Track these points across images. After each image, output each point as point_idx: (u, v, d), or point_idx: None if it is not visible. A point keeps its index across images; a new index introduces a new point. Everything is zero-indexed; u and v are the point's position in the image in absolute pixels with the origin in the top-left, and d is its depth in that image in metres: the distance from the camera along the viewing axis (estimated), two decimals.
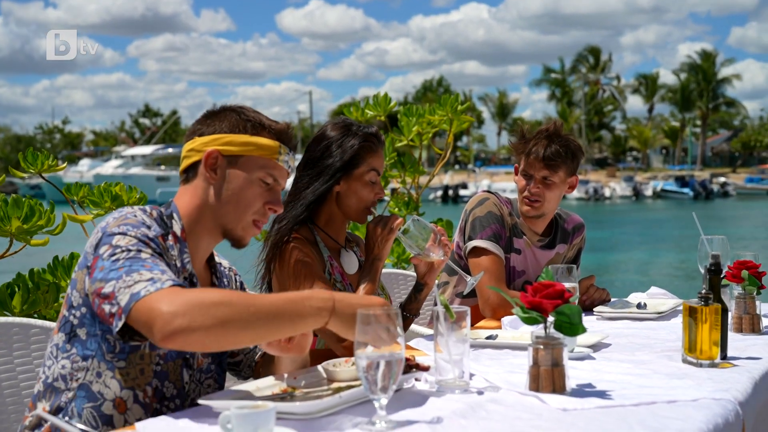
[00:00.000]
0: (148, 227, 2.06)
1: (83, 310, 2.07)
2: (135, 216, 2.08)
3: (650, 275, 20.93)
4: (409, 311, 3.07)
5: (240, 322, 1.84)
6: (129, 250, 1.96)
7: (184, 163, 2.24)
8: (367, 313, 1.80)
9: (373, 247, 2.92)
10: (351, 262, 3.06)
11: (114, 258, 1.95)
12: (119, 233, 2.00)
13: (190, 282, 2.17)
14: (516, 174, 3.68)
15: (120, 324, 1.89)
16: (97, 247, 2.01)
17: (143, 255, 1.96)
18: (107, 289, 1.92)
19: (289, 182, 2.75)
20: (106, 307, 1.92)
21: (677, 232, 31.78)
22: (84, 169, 56.05)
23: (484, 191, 3.73)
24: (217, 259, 2.40)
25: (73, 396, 2.07)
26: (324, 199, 2.99)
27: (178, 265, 2.14)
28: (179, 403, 2.18)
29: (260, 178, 2.20)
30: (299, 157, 2.83)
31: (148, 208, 2.16)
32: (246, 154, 2.19)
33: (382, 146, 3.02)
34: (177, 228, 2.17)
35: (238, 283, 2.46)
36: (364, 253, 2.98)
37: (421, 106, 5.97)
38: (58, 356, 2.11)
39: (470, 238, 3.53)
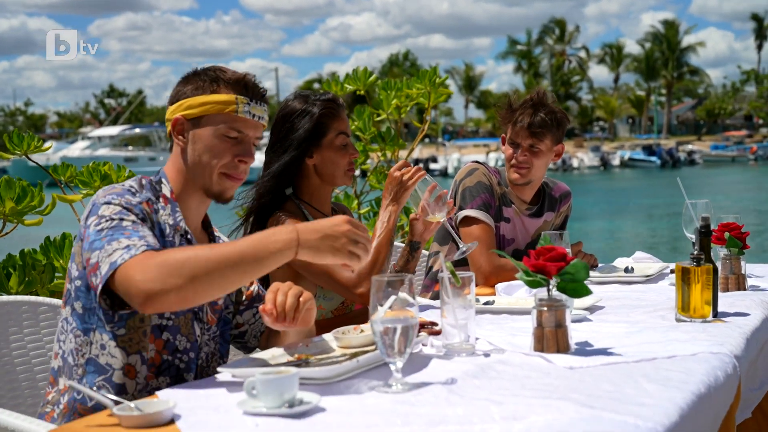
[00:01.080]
0: (133, 194, 2.14)
1: (78, 282, 2.14)
2: (123, 185, 2.17)
3: (624, 242, 21.15)
4: (406, 271, 3.13)
5: (209, 275, 1.91)
6: (112, 219, 2.05)
7: (168, 132, 2.35)
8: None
9: (391, 193, 2.96)
10: None
11: (99, 228, 2.04)
12: (104, 203, 2.09)
13: (185, 239, 2.24)
14: (503, 144, 3.75)
15: (98, 291, 1.99)
16: (87, 218, 2.10)
17: (125, 222, 2.05)
18: (93, 259, 2.01)
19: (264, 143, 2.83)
20: (93, 279, 2.01)
21: (646, 200, 32.11)
22: (50, 152, 55.35)
23: (474, 161, 3.80)
24: (216, 233, 2.46)
25: (83, 372, 2.12)
26: (304, 174, 3.03)
27: (171, 223, 2.22)
28: (193, 356, 2.23)
29: (222, 133, 2.26)
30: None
31: (138, 177, 2.27)
32: (205, 113, 2.25)
33: (343, 109, 3.06)
34: (166, 190, 2.26)
35: None
36: (382, 198, 3.01)
37: (399, 80, 6.01)
38: (66, 330, 2.17)
39: (461, 208, 3.60)
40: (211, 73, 2.29)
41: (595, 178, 54.94)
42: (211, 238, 2.40)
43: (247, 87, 2.31)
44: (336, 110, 3.02)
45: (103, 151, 54.00)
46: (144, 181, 2.24)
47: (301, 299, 2.10)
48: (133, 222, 2.06)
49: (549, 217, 3.84)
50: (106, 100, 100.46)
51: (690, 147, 71.12)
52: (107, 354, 2.12)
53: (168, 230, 2.20)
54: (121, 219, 2.05)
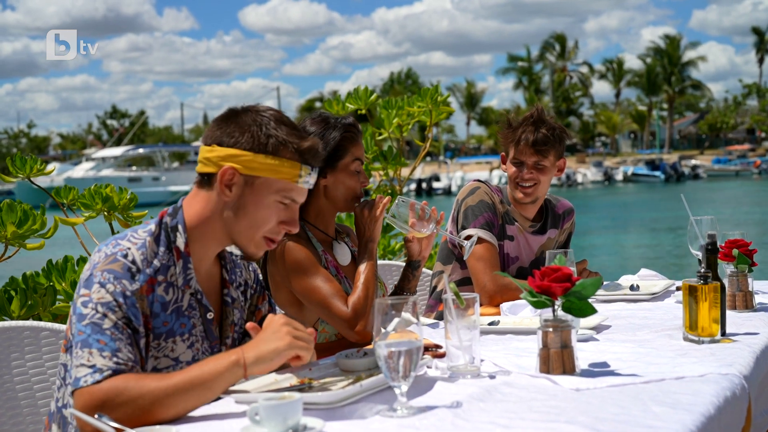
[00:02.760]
0: (133, 275, 2.04)
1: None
2: (125, 258, 2.05)
3: (628, 258, 21.12)
4: (408, 290, 3.13)
5: (160, 407, 1.90)
6: (97, 311, 1.98)
7: (201, 168, 2.17)
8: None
9: (364, 231, 2.98)
10: (344, 254, 3.09)
11: (85, 312, 1.99)
12: (99, 283, 2.01)
13: (195, 299, 2.17)
14: (504, 163, 3.73)
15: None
16: (84, 284, 2.03)
17: (105, 324, 1.98)
18: (70, 343, 2.02)
19: None
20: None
21: (650, 215, 32.06)
22: (54, 174, 55.49)
23: (475, 180, 3.78)
24: (228, 248, 2.35)
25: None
26: (311, 194, 3.02)
27: (180, 283, 2.13)
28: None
29: (277, 200, 2.15)
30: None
31: (153, 225, 2.14)
32: (264, 175, 2.12)
33: (361, 135, 3.08)
34: (180, 242, 2.14)
35: (251, 270, 2.43)
36: (356, 239, 3.03)
37: (400, 99, 6.01)
38: (66, 378, 2.12)
39: (463, 227, 3.58)
40: (275, 131, 2.12)
41: (600, 193, 54.94)
42: (223, 265, 2.30)
43: (315, 157, 2.18)
44: (356, 136, 3.04)
45: (107, 172, 54.11)
46: (162, 235, 2.12)
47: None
48: (114, 325, 1.98)
49: (553, 234, 3.82)
50: (109, 121, 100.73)
51: (693, 161, 71.11)
52: None
53: (173, 295, 2.12)
54: (104, 316, 1.98)
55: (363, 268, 2.92)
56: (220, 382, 1.95)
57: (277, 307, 2.49)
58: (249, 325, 2.10)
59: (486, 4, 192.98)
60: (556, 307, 2.17)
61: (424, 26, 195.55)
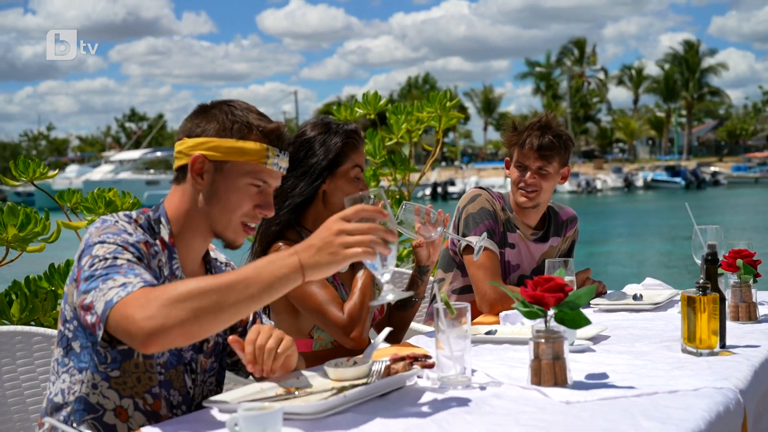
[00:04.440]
0: (129, 234, 2.05)
1: (75, 323, 2.07)
2: (116, 224, 2.07)
3: (644, 266, 21.00)
4: (416, 296, 3.10)
5: (212, 307, 1.81)
6: (106, 258, 1.95)
7: (176, 164, 2.21)
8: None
9: None
10: None
11: (93, 268, 1.95)
12: (98, 242, 2.00)
13: None
14: (507, 167, 3.70)
15: (100, 333, 1.90)
16: (80, 259, 2.01)
17: (119, 261, 1.95)
18: (88, 299, 1.92)
19: None
20: (89, 318, 1.92)
21: (670, 221, 31.85)
22: (73, 176, 55.83)
23: (476, 187, 3.75)
24: (213, 254, 2.38)
25: (71, 410, 2.08)
26: (310, 200, 3.00)
27: (166, 273, 2.13)
28: (185, 409, 2.18)
29: (248, 183, 2.15)
30: None
31: (134, 213, 2.14)
32: (232, 159, 2.14)
33: (363, 142, 3.04)
34: (165, 233, 2.15)
35: None
36: None
37: (409, 104, 5.98)
38: (59, 372, 2.12)
39: (464, 235, 3.54)
40: (241, 115, 2.15)
41: (619, 199, 54.69)
42: (208, 269, 2.32)
43: (279, 138, 2.20)
44: (357, 142, 3.00)
45: (124, 175, 54.41)
46: (142, 219, 2.14)
47: (279, 349, 2.08)
48: (128, 260, 1.97)
49: (555, 242, 3.78)
50: (127, 124, 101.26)
51: (713, 168, 70.67)
52: (98, 394, 2.07)
53: (162, 278, 2.11)
54: (116, 257, 1.96)
55: (360, 274, 2.88)
56: (280, 287, 1.85)
57: (263, 316, 2.46)
58: (231, 338, 2.08)
59: (504, 10, 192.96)
60: (548, 317, 2.13)
61: (441, 31, 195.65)
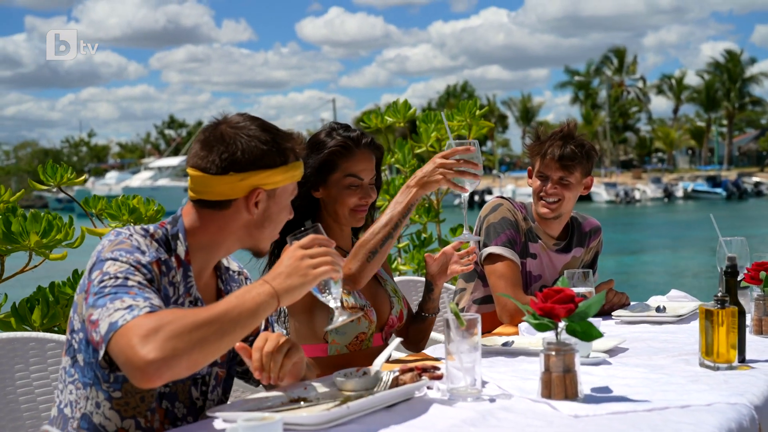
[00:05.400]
0: (143, 252, 2.03)
1: (81, 335, 2.06)
2: (130, 238, 2.05)
3: (680, 277, 20.76)
4: (427, 311, 3.08)
5: (215, 335, 1.86)
6: (117, 278, 1.94)
7: (216, 197, 2.12)
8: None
9: (422, 174, 2.75)
10: None
11: (102, 284, 1.93)
12: (111, 258, 1.98)
13: (195, 306, 2.14)
14: (530, 177, 3.67)
15: (101, 353, 1.89)
16: (91, 271, 2.00)
17: (130, 282, 1.94)
18: (94, 316, 1.91)
19: None
20: (94, 335, 1.91)
21: (711, 233, 31.35)
22: (112, 182, 56.51)
23: (498, 197, 3.72)
24: (225, 263, 2.36)
25: (77, 426, 2.07)
26: (317, 207, 2.98)
27: (181, 290, 2.12)
28: (191, 420, 2.17)
29: (291, 199, 2.22)
30: None
31: (151, 228, 2.12)
32: (284, 184, 2.18)
33: (365, 151, 2.94)
34: (181, 250, 2.13)
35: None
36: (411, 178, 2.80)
37: (438, 112, 5.97)
38: (66, 381, 2.11)
39: (485, 245, 3.51)
40: (269, 139, 2.14)
41: (658, 210, 54.08)
42: (219, 277, 2.31)
43: (303, 146, 2.24)
44: (351, 150, 2.91)
45: (163, 182, 54.90)
46: (160, 233, 2.12)
47: (285, 357, 2.08)
48: (139, 283, 1.96)
49: (578, 252, 3.73)
50: (167, 131, 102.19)
51: (755, 179, 69.71)
52: (101, 414, 2.06)
53: (176, 295, 2.10)
54: (127, 278, 1.95)
55: (389, 209, 2.79)
56: (262, 314, 1.95)
57: (275, 324, 2.45)
58: (239, 346, 2.07)
59: (543, 18, 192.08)
60: (559, 329, 2.10)
61: (480, 40, 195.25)
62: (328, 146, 2.91)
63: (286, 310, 2.95)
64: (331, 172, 2.92)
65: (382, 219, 2.78)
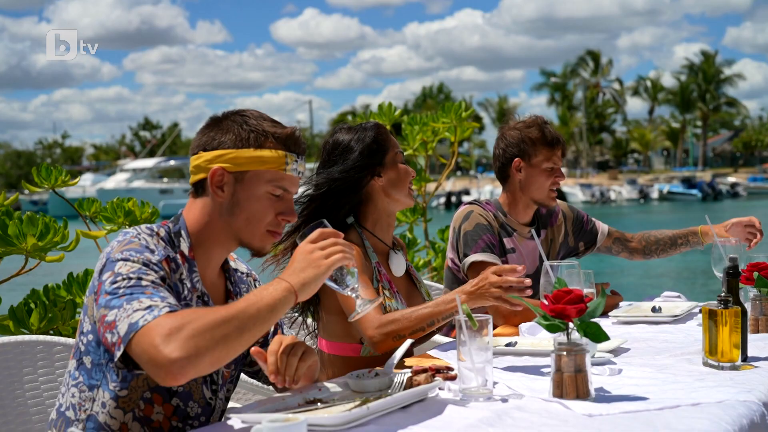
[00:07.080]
0: (152, 251, 2.05)
1: (90, 337, 2.07)
2: (138, 239, 2.07)
3: (660, 278, 20.90)
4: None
5: (237, 331, 1.89)
6: (130, 278, 1.95)
7: (192, 178, 2.20)
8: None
9: (474, 289, 2.67)
10: (400, 264, 3.08)
11: (116, 285, 1.94)
12: (122, 259, 1.99)
13: (202, 301, 2.16)
14: (518, 170, 3.68)
15: (119, 353, 1.90)
16: (101, 273, 2.00)
17: (144, 282, 1.96)
18: (109, 317, 1.92)
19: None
20: (109, 336, 1.92)
21: None
22: (87, 184, 56.06)
23: (466, 203, 3.74)
24: (233, 264, 2.38)
25: (83, 428, 2.08)
26: (369, 201, 3.01)
27: (188, 285, 2.13)
28: (205, 420, 2.19)
29: (268, 191, 2.16)
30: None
31: (155, 226, 2.15)
32: (252, 169, 2.14)
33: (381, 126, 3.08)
34: (185, 247, 2.15)
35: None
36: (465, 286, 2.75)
37: (424, 115, 6.00)
38: (69, 384, 2.12)
39: (465, 255, 3.54)
40: (255, 124, 2.16)
41: (634, 211, 54.32)
42: (227, 277, 2.33)
43: (296, 143, 2.21)
44: (387, 132, 3.05)
45: (139, 183, 54.55)
46: (163, 232, 2.14)
47: (301, 359, 2.11)
48: (153, 282, 1.97)
49: (544, 234, 3.85)
50: (141, 133, 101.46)
51: (730, 179, 70.26)
52: (107, 413, 2.07)
53: (185, 291, 2.12)
54: (140, 278, 1.96)
55: (426, 305, 2.77)
56: (281, 310, 1.99)
57: (284, 326, 2.47)
58: (254, 350, 2.09)
59: (517, 20, 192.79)
60: (570, 330, 2.13)
61: (455, 41, 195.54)
62: (373, 132, 2.99)
63: (323, 307, 2.95)
64: (385, 153, 2.99)
65: (423, 311, 2.74)
